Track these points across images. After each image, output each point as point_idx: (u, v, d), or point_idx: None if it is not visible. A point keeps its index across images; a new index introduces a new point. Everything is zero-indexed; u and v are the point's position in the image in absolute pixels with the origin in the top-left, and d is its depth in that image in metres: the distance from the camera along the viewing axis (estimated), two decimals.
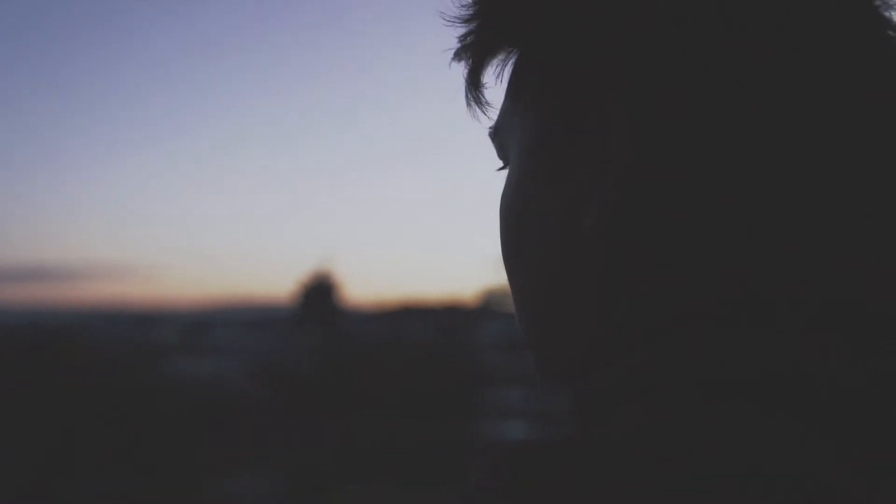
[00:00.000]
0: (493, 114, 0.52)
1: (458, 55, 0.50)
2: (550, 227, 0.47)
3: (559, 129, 0.46)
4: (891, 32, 0.45)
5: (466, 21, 0.49)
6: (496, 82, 0.50)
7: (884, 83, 0.44)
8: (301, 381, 45.15)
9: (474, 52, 0.49)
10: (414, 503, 27.22)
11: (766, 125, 0.42)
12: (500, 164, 0.52)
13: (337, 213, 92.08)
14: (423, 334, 49.54)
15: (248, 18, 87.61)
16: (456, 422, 41.92)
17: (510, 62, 0.49)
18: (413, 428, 41.34)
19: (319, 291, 53.51)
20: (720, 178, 0.42)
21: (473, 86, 0.51)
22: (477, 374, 40.90)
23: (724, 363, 0.38)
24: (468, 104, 0.52)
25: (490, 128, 0.52)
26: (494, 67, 0.49)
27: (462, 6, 0.48)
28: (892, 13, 0.45)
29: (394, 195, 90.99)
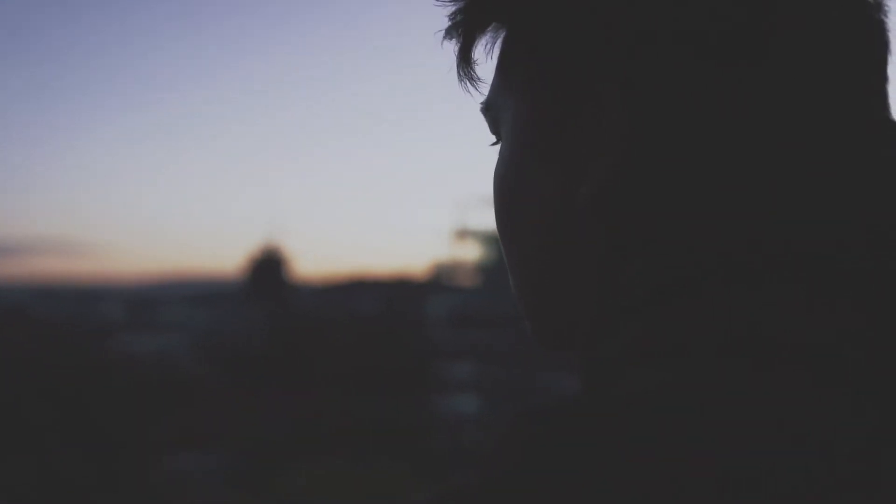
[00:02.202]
0: (485, 89, 0.52)
1: (448, 33, 0.50)
2: (545, 203, 0.47)
3: (552, 106, 0.46)
4: (881, 16, 0.46)
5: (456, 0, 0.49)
6: (487, 59, 0.50)
7: (871, 67, 0.45)
8: (250, 356, 44.95)
9: (464, 29, 0.49)
10: (365, 477, 27.52)
11: (754, 100, 0.43)
12: (493, 139, 0.52)
13: (286, 186, 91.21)
14: (372, 308, 49.62)
15: (184, 3, 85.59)
16: (406, 395, 42.28)
17: (500, 38, 0.49)
18: (363, 402, 41.57)
19: (268, 266, 53.04)
20: (713, 151, 0.43)
21: (464, 62, 0.50)
22: (427, 348, 41.23)
23: (730, 324, 0.39)
24: (460, 81, 0.51)
25: (482, 103, 0.52)
26: (484, 44, 0.49)
27: None
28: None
29: (344, 168, 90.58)
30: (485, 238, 39.32)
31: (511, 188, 0.50)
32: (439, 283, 42.75)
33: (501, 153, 0.51)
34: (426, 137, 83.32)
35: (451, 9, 0.50)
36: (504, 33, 0.49)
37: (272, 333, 45.66)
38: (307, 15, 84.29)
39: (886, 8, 0.46)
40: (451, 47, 0.51)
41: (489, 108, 0.52)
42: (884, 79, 0.47)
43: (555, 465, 0.35)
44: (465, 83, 0.51)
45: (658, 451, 0.34)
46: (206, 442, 34.66)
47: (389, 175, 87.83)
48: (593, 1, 0.44)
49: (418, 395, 39.78)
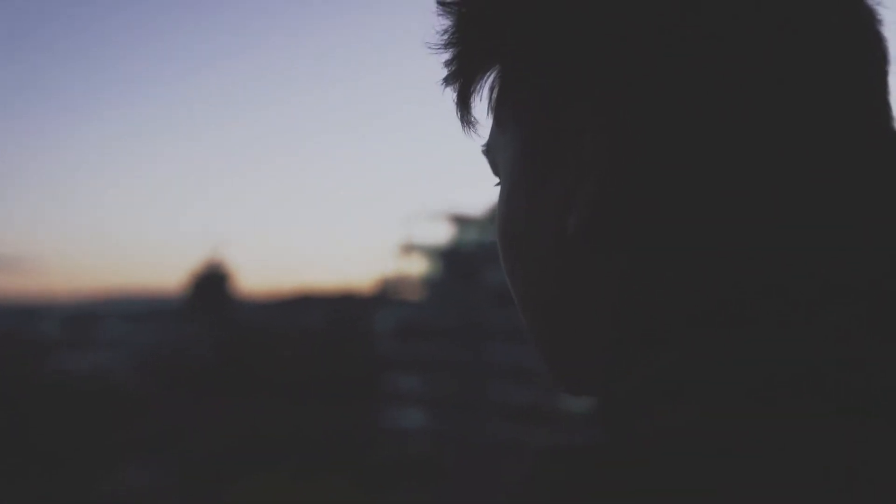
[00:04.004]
0: (485, 132, 0.53)
1: (445, 81, 0.52)
2: (541, 237, 0.48)
3: (539, 140, 0.47)
4: (878, 27, 0.46)
5: (448, 47, 0.51)
6: (480, 101, 0.51)
7: (872, 79, 0.45)
8: (194, 372, 44.39)
9: (461, 76, 0.51)
10: (310, 490, 27.57)
11: (750, 112, 0.42)
12: (496, 180, 0.53)
13: (230, 201, 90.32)
14: (318, 322, 49.50)
15: (130, 16, 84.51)
16: (352, 408, 42.22)
17: (491, 81, 0.50)
18: (309, 415, 41.40)
19: (211, 281, 52.53)
20: (694, 173, 0.43)
21: (464, 108, 0.52)
22: (373, 361, 41.36)
23: (750, 360, 0.37)
24: (462, 126, 0.53)
25: (482, 146, 0.54)
26: (479, 87, 0.51)
27: (442, 32, 0.50)
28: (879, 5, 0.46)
29: (289, 182, 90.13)
30: (430, 252, 39.79)
31: (511, 225, 0.50)
32: (386, 296, 42.98)
33: (500, 193, 0.52)
34: (373, 152, 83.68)
35: (446, 56, 0.51)
36: (494, 75, 0.50)
37: (216, 349, 45.28)
38: (249, 28, 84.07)
39: (881, 18, 0.46)
40: (448, 93, 0.52)
41: (489, 151, 0.53)
42: (885, 90, 0.46)
43: None
44: (466, 128, 0.53)
45: None
46: (150, 457, 34.18)
47: (335, 190, 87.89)
48: (571, 37, 0.45)
49: (364, 407, 39.84)
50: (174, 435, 36.20)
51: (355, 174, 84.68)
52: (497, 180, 0.53)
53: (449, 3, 0.50)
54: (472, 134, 0.53)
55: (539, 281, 0.49)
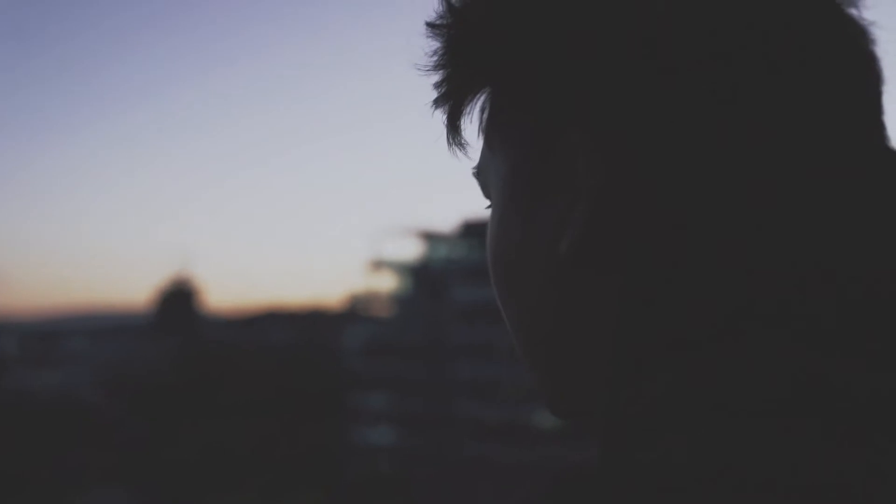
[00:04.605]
0: (476, 154, 0.53)
1: (435, 103, 0.52)
2: (536, 261, 0.47)
3: (531, 163, 0.47)
4: (870, 47, 0.46)
5: (437, 69, 0.50)
6: (471, 123, 0.51)
7: (867, 98, 0.45)
8: (159, 390, 43.68)
9: (449, 99, 0.51)
10: None
11: (744, 133, 0.42)
12: (487, 202, 0.53)
13: (197, 217, 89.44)
14: (286, 339, 49.09)
15: (94, 32, 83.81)
16: (321, 427, 41.85)
17: (481, 103, 0.50)
18: (277, 433, 40.94)
19: (178, 297, 51.88)
20: (688, 195, 0.43)
21: (453, 131, 0.51)
22: (342, 378, 41.12)
23: (750, 384, 0.37)
24: (450, 148, 0.53)
25: (473, 168, 0.53)
26: (469, 110, 0.51)
27: (432, 54, 0.50)
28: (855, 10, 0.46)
29: (258, 199, 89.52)
30: (399, 269, 39.77)
31: (503, 249, 0.50)
32: (354, 313, 42.82)
33: (492, 216, 0.52)
34: (342, 168, 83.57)
35: (436, 78, 0.51)
36: (484, 97, 0.50)
37: (182, 366, 44.72)
38: (215, 42, 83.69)
39: (873, 37, 0.46)
40: (437, 115, 0.52)
41: (480, 173, 0.53)
42: (879, 110, 0.46)
43: None
44: (456, 150, 0.53)
45: None
46: (115, 479, 33.55)
47: (304, 205, 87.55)
48: (561, 59, 0.45)
49: (333, 425, 39.52)
50: (139, 455, 35.60)
51: (325, 190, 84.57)
52: (488, 203, 0.53)
53: (438, 25, 0.50)
54: (462, 156, 0.53)
55: (534, 306, 0.49)
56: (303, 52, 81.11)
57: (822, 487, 0.33)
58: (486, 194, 0.53)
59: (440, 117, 0.52)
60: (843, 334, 0.38)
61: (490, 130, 0.50)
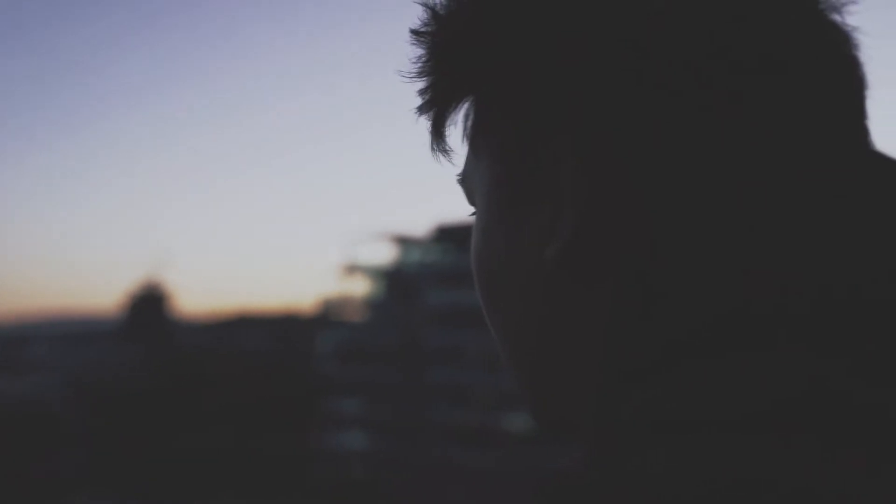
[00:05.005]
0: (460, 161, 0.53)
1: (419, 110, 0.51)
2: (522, 270, 0.47)
3: (516, 170, 0.47)
4: (853, 52, 0.46)
5: (421, 76, 0.50)
6: (455, 129, 0.51)
7: (850, 104, 0.45)
8: (130, 396, 43.17)
9: (436, 105, 0.51)
10: None
11: (729, 139, 0.43)
12: (472, 209, 0.53)
13: (169, 220, 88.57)
14: (259, 344, 48.80)
15: (46, 38, 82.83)
16: (294, 432, 41.64)
17: (465, 110, 0.50)
18: (250, 438, 40.65)
19: (149, 301, 51.33)
20: (675, 203, 0.42)
21: (438, 138, 0.51)
22: (315, 383, 40.92)
23: (741, 392, 0.36)
24: (433, 155, 0.52)
25: (458, 175, 0.53)
26: (454, 116, 0.51)
27: (416, 61, 0.50)
28: (837, 15, 0.46)
29: (230, 202, 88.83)
30: (373, 273, 39.70)
31: (487, 258, 0.50)
32: (327, 317, 42.65)
33: (476, 225, 0.52)
34: (316, 172, 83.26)
35: (421, 85, 0.51)
36: (469, 104, 0.50)
37: (153, 372, 44.24)
38: (186, 43, 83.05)
39: (856, 42, 0.46)
40: (422, 122, 0.52)
41: (464, 180, 0.53)
42: (863, 115, 0.46)
43: None
44: (440, 157, 0.52)
45: None
46: (85, 488, 33.10)
47: (277, 209, 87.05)
48: (546, 66, 0.45)
49: (306, 430, 39.34)
50: (110, 463, 35.15)
51: (298, 194, 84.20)
52: (472, 210, 0.53)
53: (423, 33, 0.50)
54: (446, 162, 0.53)
55: (520, 314, 0.48)
56: (276, 57, 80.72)
57: (812, 500, 0.32)
58: (471, 201, 0.53)
59: (424, 124, 0.52)
60: (840, 340, 0.37)
61: (475, 137, 0.50)
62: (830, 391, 0.35)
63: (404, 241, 39.35)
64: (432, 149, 0.52)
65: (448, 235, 35.49)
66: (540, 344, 0.48)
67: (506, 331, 0.50)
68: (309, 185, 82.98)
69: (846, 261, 0.39)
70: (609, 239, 0.44)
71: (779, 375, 0.36)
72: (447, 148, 0.52)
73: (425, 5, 0.50)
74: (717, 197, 0.42)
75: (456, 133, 0.51)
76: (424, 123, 0.52)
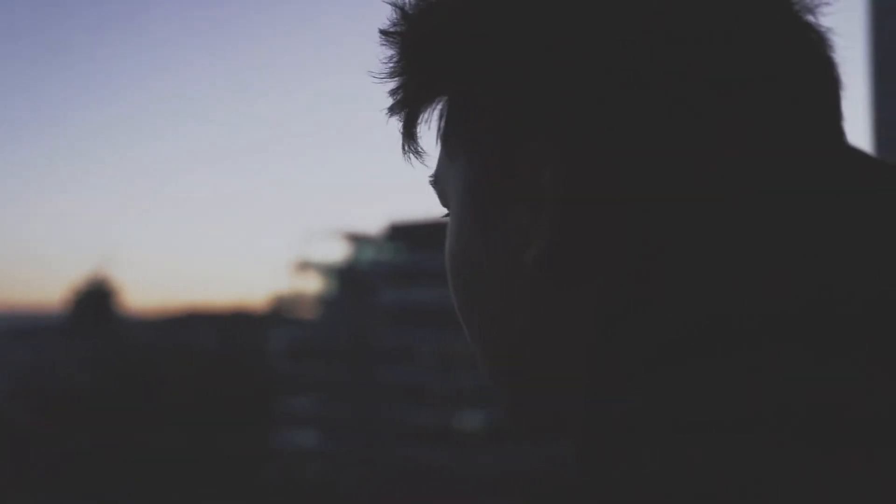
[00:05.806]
0: (432, 162, 0.52)
1: (390, 110, 0.51)
2: (500, 272, 0.46)
3: (491, 170, 0.46)
4: (829, 53, 0.46)
5: (392, 76, 0.49)
6: (428, 131, 0.50)
7: (826, 105, 0.45)
8: (76, 394, 42.41)
9: (405, 106, 0.50)
10: None
11: (707, 142, 0.42)
12: (445, 210, 0.52)
13: (116, 214, 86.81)
14: (210, 340, 48.32)
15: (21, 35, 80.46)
16: (245, 430, 41.34)
17: (438, 111, 0.49)
18: (200, 438, 40.27)
19: (95, 297, 50.44)
20: (654, 205, 0.42)
21: (409, 138, 0.50)
22: (266, 382, 40.72)
23: (734, 393, 0.36)
24: (405, 156, 0.51)
25: (430, 176, 0.52)
26: (426, 117, 0.50)
27: (386, 61, 0.49)
28: (812, 17, 0.46)
29: (179, 196, 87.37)
30: (325, 270, 39.65)
31: (462, 260, 0.49)
32: (279, 315, 42.45)
33: (450, 227, 0.51)
34: (269, 167, 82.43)
35: (392, 85, 0.50)
36: (442, 105, 0.49)
37: (99, 369, 43.52)
38: (134, 36, 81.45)
39: (832, 43, 0.47)
40: (392, 121, 0.51)
41: (437, 181, 0.52)
42: (838, 115, 0.46)
43: None
44: (411, 158, 0.52)
45: None
46: (29, 489, 32.49)
47: (228, 204, 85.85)
48: (521, 68, 0.44)
49: (257, 428, 39.13)
50: (56, 464, 34.56)
51: (250, 189, 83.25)
52: (446, 211, 0.52)
53: (392, 33, 0.49)
54: (418, 164, 0.52)
55: (499, 317, 0.48)
56: (228, 52, 79.66)
57: (806, 501, 0.32)
58: (444, 203, 0.52)
59: (395, 125, 0.51)
60: (835, 340, 0.37)
61: (449, 138, 0.49)
62: (825, 391, 0.35)
63: (357, 239, 39.38)
64: (403, 150, 0.51)
65: (401, 234, 35.62)
66: (522, 345, 0.47)
67: (482, 332, 0.49)
68: (262, 180, 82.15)
69: (838, 261, 0.39)
70: (589, 242, 0.43)
71: (772, 376, 0.36)
72: (419, 149, 0.51)
73: (394, 5, 0.49)
74: (704, 198, 0.42)
75: (428, 134, 0.50)
76: (395, 124, 0.51)
